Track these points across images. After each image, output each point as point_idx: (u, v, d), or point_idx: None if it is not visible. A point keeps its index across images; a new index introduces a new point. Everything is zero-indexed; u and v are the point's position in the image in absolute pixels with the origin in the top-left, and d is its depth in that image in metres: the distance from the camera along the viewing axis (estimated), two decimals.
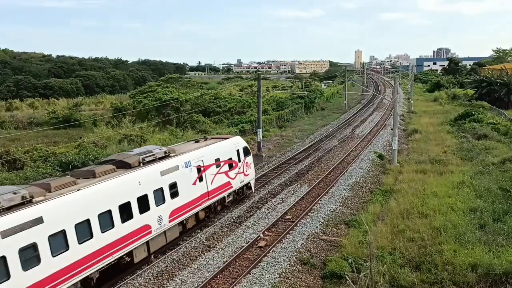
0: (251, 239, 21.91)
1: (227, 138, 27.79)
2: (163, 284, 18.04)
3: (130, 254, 18.34)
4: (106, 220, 17.04)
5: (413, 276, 17.54)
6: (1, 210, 13.82)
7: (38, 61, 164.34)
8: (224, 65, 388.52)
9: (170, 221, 20.57)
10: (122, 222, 17.76)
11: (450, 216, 22.71)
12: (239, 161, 26.93)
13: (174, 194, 20.91)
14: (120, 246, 17.65)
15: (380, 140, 47.12)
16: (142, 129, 52.92)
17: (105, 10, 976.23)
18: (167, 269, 19.20)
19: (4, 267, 13.08)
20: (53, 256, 14.67)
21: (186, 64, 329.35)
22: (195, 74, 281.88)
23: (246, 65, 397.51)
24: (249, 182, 28.43)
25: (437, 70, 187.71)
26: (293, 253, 20.27)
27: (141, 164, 19.98)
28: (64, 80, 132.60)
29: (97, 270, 16.62)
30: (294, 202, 27.17)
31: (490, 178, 29.23)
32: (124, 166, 19.44)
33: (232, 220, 24.78)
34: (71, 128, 62.26)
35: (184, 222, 21.99)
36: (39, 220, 14.36)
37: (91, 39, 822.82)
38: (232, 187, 26.15)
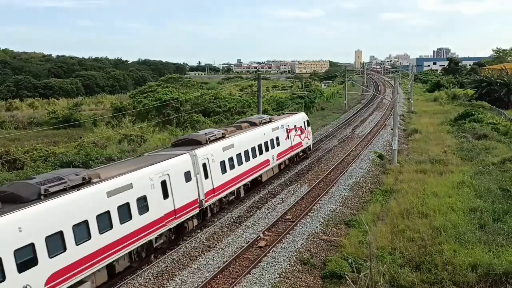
0: (251, 239, 21.91)
1: (298, 114, 40.47)
2: (163, 284, 18.04)
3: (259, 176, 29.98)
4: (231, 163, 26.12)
5: (413, 276, 17.54)
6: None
7: (38, 61, 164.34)
8: (224, 65, 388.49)
9: (277, 160, 32.44)
10: (255, 157, 29.05)
11: (450, 216, 22.71)
12: (305, 129, 38.34)
13: (278, 143, 32.61)
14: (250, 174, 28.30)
15: (380, 140, 47.11)
16: (142, 129, 52.93)
17: (105, 10, 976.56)
18: (167, 269, 19.20)
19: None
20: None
21: (186, 64, 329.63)
22: (195, 74, 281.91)
23: (246, 65, 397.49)
24: (310, 145, 40.21)
25: (437, 70, 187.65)
26: (293, 253, 20.26)
27: (261, 124, 31.97)
28: (64, 80, 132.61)
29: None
30: (294, 202, 27.17)
31: (490, 178, 29.22)
32: (253, 125, 31.38)
33: (232, 220, 24.79)
34: (71, 128, 62.27)
35: (281, 163, 33.94)
36: (232, 145, 25.77)
37: (91, 39, 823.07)
38: (302, 146, 37.66)
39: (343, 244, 20.99)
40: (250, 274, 18.52)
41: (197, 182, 22.53)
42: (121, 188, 17.65)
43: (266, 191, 29.95)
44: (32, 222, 14.28)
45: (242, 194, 28.11)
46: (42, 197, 15.22)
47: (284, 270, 18.78)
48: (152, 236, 19.39)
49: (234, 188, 26.47)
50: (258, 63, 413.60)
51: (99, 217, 16.55)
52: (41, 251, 14.27)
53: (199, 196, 22.64)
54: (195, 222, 22.91)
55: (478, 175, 30.22)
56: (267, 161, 30.77)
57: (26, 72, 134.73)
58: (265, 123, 32.49)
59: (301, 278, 18.49)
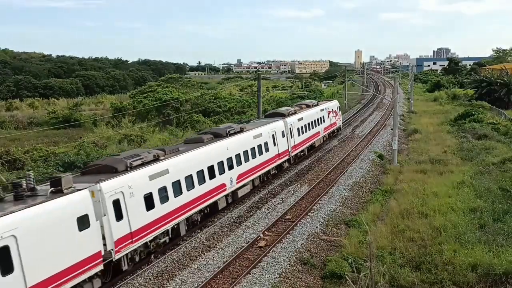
0: (251, 239, 21.91)
1: (333, 100, 53.05)
2: (163, 284, 18.04)
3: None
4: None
5: (413, 276, 17.54)
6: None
7: (38, 61, 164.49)
8: (224, 65, 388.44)
9: (324, 132, 44.45)
10: (313, 128, 40.44)
11: (450, 216, 22.71)
12: (338, 112, 50.31)
13: (323, 121, 44.12)
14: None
15: (380, 140, 47.11)
16: (142, 129, 53.00)
17: (105, 10, 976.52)
18: (167, 269, 19.20)
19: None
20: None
21: (186, 64, 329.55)
22: (195, 74, 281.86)
23: (246, 65, 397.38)
24: (340, 125, 52.16)
25: (437, 70, 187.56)
26: (293, 253, 20.26)
27: (313, 106, 43.54)
28: (64, 80, 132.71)
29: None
30: (294, 202, 27.16)
31: (490, 178, 29.22)
32: (308, 106, 42.95)
33: (232, 220, 24.79)
34: (71, 128, 62.31)
35: (325, 136, 45.30)
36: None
37: (91, 39, 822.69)
38: (336, 124, 49.52)
39: (343, 244, 20.99)
40: (250, 274, 18.52)
41: (287, 138, 33.79)
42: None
43: (266, 191, 29.95)
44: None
45: (305, 153, 39.39)
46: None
47: (284, 270, 18.78)
48: (269, 167, 30.91)
49: (306, 146, 39.11)
50: (258, 63, 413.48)
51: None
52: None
53: (289, 147, 34.22)
54: (287, 164, 34.93)
55: (478, 175, 30.22)
56: (319, 133, 42.86)
57: (26, 72, 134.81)
58: (315, 106, 44.56)
59: (301, 278, 18.50)
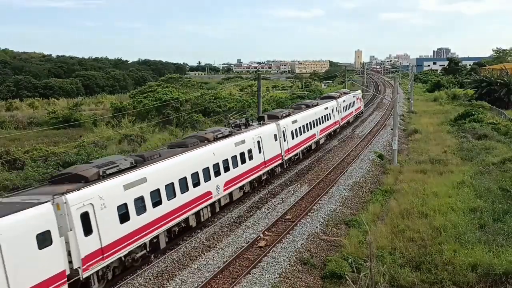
0: (251, 239, 21.91)
1: (358, 91, 68.29)
2: (163, 284, 18.04)
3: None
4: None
5: (413, 276, 17.55)
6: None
7: (38, 61, 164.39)
8: (224, 65, 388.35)
9: (355, 112, 60.76)
10: (348, 110, 56.63)
11: (450, 216, 22.72)
12: (361, 99, 66.77)
13: (353, 105, 59.26)
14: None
15: (380, 140, 47.11)
16: (142, 129, 52.99)
17: (105, 10, 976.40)
18: (167, 269, 19.20)
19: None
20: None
21: (186, 64, 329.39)
22: (195, 74, 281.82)
23: (246, 65, 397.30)
24: (363, 109, 68.15)
25: (437, 70, 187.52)
26: (293, 253, 20.27)
27: (345, 94, 56.77)
28: (64, 80, 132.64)
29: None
30: (294, 202, 27.17)
31: (490, 178, 29.22)
32: (344, 94, 56.95)
33: (232, 220, 24.78)
34: (71, 128, 62.29)
35: (350, 120, 57.16)
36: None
37: (91, 39, 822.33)
38: (361, 108, 66.24)
39: (343, 244, 21.00)
40: (250, 274, 18.53)
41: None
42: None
43: (266, 191, 29.95)
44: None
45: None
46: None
47: (284, 270, 18.79)
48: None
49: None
50: (258, 63, 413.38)
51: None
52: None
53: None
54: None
55: (478, 175, 30.22)
56: (352, 113, 58.32)
57: (26, 72, 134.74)
58: (347, 93, 58.42)
59: (301, 278, 18.50)
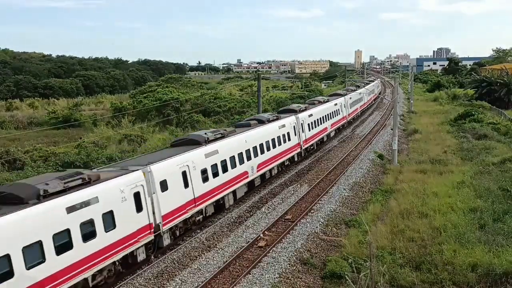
0: (251, 239, 21.91)
1: (375, 80, 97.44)
2: (163, 284, 18.04)
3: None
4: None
5: (413, 276, 17.55)
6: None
7: (38, 61, 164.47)
8: (224, 65, 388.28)
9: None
10: (358, 104, 61.36)
11: (450, 216, 22.72)
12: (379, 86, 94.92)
13: (362, 100, 65.03)
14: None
15: (380, 140, 47.11)
16: (142, 129, 53.02)
17: (105, 10, 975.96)
18: (167, 269, 19.20)
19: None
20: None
21: (186, 64, 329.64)
22: (195, 74, 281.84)
23: (246, 65, 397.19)
24: (372, 101, 78.78)
25: (437, 70, 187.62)
26: (293, 253, 20.27)
27: (353, 91, 61.74)
28: (64, 80, 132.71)
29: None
30: (294, 202, 27.16)
31: (490, 178, 29.23)
32: (354, 89, 66.75)
33: (232, 220, 24.78)
34: (71, 128, 62.33)
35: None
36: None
37: (91, 39, 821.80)
38: (372, 99, 78.07)
39: (343, 244, 21.00)
40: (250, 274, 18.53)
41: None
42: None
43: (266, 191, 29.95)
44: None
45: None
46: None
47: (284, 270, 18.79)
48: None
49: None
50: (258, 63, 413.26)
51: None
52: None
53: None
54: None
55: (478, 175, 30.22)
56: (365, 104, 68.46)
57: (26, 72, 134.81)
58: (358, 87, 69.58)
59: (301, 278, 18.50)
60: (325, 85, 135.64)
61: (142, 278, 18.44)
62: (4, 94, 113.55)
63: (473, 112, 55.34)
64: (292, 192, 29.51)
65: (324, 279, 18.48)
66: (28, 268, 13.76)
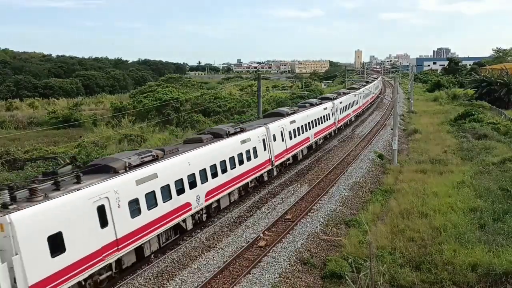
0: (251, 239, 21.91)
1: (377, 80, 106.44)
2: (163, 284, 18.04)
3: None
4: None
5: (413, 276, 17.55)
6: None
7: (38, 61, 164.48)
8: (224, 65, 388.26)
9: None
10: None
11: (450, 216, 22.72)
12: (379, 85, 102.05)
13: (354, 106, 60.05)
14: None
15: (380, 140, 47.11)
16: (142, 128, 53.01)
17: (105, 10, 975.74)
18: (167, 269, 19.20)
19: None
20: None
21: (186, 64, 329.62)
22: (195, 74, 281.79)
23: (246, 65, 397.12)
24: (378, 95, 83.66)
25: (437, 70, 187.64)
26: (293, 253, 20.27)
27: (363, 86, 75.20)
28: (64, 80, 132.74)
29: None
30: (294, 202, 27.16)
31: (490, 178, 29.22)
32: (367, 83, 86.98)
33: (232, 220, 24.79)
34: (71, 128, 62.35)
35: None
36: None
37: (91, 39, 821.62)
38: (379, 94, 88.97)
39: (343, 244, 20.99)
40: (250, 274, 18.53)
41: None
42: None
43: (266, 190, 29.94)
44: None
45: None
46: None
47: (284, 270, 18.79)
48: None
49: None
50: (258, 63, 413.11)
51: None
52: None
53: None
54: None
55: (478, 175, 30.21)
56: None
57: (26, 72, 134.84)
58: (367, 83, 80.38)
59: (301, 278, 18.50)
60: (325, 85, 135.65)
61: (142, 278, 18.45)
62: (4, 94, 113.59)
63: (473, 112, 55.34)
64: (292, 192, 29.51)
65: (324, 279, 18.48)
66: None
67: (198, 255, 20.46)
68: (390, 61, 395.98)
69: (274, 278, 18.09)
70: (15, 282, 13.04)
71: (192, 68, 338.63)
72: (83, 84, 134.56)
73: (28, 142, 51.06)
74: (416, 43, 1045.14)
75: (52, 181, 15.81)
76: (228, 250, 20.96)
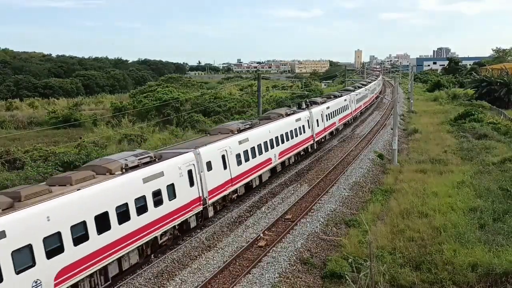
0: (251, 238, 21.91)
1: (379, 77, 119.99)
2: (163, 284, 18.04)
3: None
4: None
5: (413, 276, 17.56)
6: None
7: (38, 61, 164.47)
8: (224, 65, 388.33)
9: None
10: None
11: (450, 216, 22.72)
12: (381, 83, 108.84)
13: (360, 101, 65.13)
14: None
15: (380, 139, 47.11)
16: (142, 128, 52.99)
17: (105, 10, 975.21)
18: (167, 269, 19.20)
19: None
20: None
21: (186, 64, 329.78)
22: (195, 73, 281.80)
23: (246, 64, 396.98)
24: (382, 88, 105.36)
25: (437, 69, 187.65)
26: (293, 253, 20.27)
27: (372, 81, 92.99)
28: (64, 79, 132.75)
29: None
30: (294, 202, 27.16)
31: (490, 178, 29.23)
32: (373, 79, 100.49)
33: (232, 219, 24.78)
34: (71, 128, 62.34)
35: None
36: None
37: (91, 39, 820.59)
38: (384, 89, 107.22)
39: (343, 243, 20.99)
40: (250, 273, 18.53)
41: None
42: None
43: (266, 190, 29.95)
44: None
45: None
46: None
47: (284, 270, 18.79)
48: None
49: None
50: (258, 63, 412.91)
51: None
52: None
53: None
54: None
55: (478, 175, 30.22)
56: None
57: (26, 72, 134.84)
58: (377, 78, 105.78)
59: (301, 278, 18.50)
60: (325, 85, 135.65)
61: (142, 278, 18.44)
62: (4, 94, 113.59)
63: (473, 112, 55.34)
64: (292, 192, 29.51)
65: (324, 279, 18.48)
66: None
67: (198, 255, 20.46)
68: (390, 61, 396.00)
69: (274, 278, 18.08)
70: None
71: (192, 68, 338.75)
72: (83, 84, 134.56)
73: (28, 142, 51.07)
74: (416, 43, 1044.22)
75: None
76: (228, 250, 20.96)
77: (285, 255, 20.05)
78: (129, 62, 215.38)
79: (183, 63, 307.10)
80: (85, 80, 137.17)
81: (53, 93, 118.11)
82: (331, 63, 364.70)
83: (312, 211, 25.70)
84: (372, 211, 25.11)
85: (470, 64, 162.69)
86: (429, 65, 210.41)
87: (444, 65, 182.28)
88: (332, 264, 18.88)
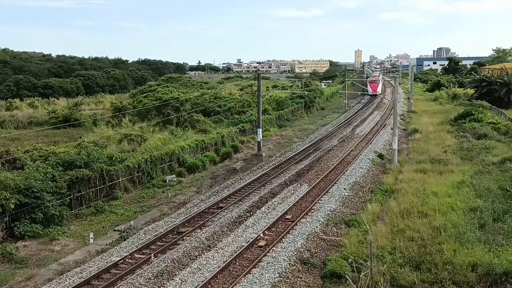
0: (251, 238, 21.92)
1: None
2: (163, 284, 18.04)
3: None
4: None
5: (413, 276, 17.56)
6: None
7: (38, 61, 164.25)
8: (224, 65, 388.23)
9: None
10: None
11: (450, 215, 22.72)
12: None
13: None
14: None
15: (380, 139, 47.12)
16: (142, 128, 52.92)
17: (105, 10, 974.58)
18: (167, 269, 19.20)
19: None
20: None
21: (186, 64, 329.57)
22: (195, 73, 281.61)
23: (246, 64, 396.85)
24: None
25: (437, 69, 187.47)
26: (293, 253, 20.28)
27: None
28: (64, 79, 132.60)
29: None
30: (294, 202, 27.17)
31: (490, 178, 29.23)
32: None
33: (232, 219, 24.79)
34: (71, 128, 62.31)
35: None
36: None
37: (91, 39, 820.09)
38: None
39: (343, 243, 21.01)
40: (250, 273, 18.54)
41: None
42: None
43: (266, 190, 29.95)
44: None
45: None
46: None
47: (284, 270, 18.80)
48: None
49: None
50: (258, 62, 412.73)
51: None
52: None
53: None
54: None
55: (478, 175, 30.22)
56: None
57: (26, 72, 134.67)
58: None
59: (301, 278, 18.51)
60: (325, 85, 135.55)
61: (142, 278, 18.45)
62: (4, 94, 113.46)
63: (473, 112, 55.32)
64: (292, 191, 29.51)
65: (324, 279, 18.48)
66: None
67: (198, 255, 20.47)
68: (390, 60, 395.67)
69: (274, 278, 18.09)
70: None
71: (192, 68, 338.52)
72: (83, 84, 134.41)
73: (28, 141, 51.00)
74: (416, 43, 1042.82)
75: None
76: (228, 250, 20.97)
77: (285, 255, 20.06)
78: (129, 62, 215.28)
79: (183, 63, 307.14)
80: (85, 80, 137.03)
81: (53, 93, 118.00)
82: (331, 63, 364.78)
83: (312, 211, 25.71)
84: (372, 211, 25.12)
85: (470, 64, 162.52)
86: (429, 65, 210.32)
87: (444, 65, 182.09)
88: (332, 264, 18.87)
